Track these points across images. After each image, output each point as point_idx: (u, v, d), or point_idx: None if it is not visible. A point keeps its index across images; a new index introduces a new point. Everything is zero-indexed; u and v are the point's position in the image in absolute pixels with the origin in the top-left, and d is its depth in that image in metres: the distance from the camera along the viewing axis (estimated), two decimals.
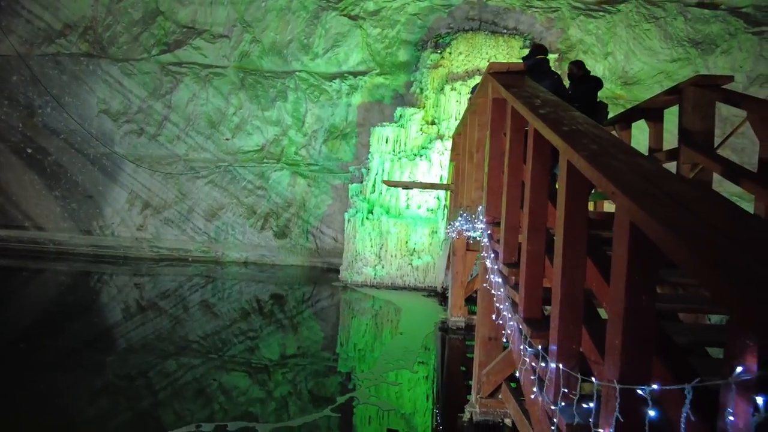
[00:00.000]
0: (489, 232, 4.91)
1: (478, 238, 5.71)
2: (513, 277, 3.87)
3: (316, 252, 16.34)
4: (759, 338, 1.41)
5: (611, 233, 2.05)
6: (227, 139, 16.76)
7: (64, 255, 16.31)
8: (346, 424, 5.51)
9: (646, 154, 5.25)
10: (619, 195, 1.90)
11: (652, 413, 1.77)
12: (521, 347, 3.18)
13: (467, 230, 7.13)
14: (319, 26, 15.76)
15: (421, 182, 13.23)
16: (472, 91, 7.33)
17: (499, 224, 4.34)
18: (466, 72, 14.51)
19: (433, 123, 14.65)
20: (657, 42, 14.43)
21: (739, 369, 1.39)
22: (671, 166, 4.67)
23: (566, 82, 6.25)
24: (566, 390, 2.42)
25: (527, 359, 3.07)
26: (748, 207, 3.52)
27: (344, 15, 15.60)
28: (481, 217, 5.28)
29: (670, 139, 4.91)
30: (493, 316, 4.68)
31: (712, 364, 2.76)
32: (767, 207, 3.80)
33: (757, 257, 1.37)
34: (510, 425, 5.00)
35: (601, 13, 14.62)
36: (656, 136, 5.31)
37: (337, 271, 14.10)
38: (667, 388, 1.74)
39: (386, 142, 14.63)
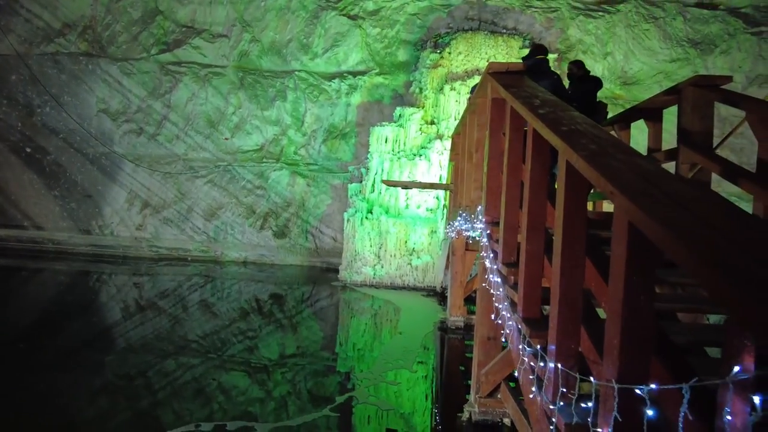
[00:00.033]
0: (488, 231, 4.92)
1: (477, 238, 5.72)
2: (512, 277, 3.88)
3: (315, 252, 16.35)
4: (757, 338, 1.41)
5: (610, 233, 2.05)
6: (226, 139, 16.75)
7: (63, 254, 16.31)
8: (345, 424, 5.52)
9: (645, 154, 5.26)
10: (618, 195, 1.90)
11: (650, 413, 1.77)
12: (520, 347, 3.18)
13: (466, 230, 7.13)
14: (318, 26, 15.76)
15: (420, 182, 13.23)
16: (472, 91, 7.34)
17: (498, 224, 4.35)
18: (466, 72, 14.52)
19: (432, 123, 14.65)
20: (656, 42, 14.45)
21: (736, 369, 1.39)
22: (670, 166, 4.69)
23: (566, 82, 6.26)
24: (565, 389, 2.43)
25: (526, 359, 3.08)
26: (747, 207, 3.53)
27: (344, 15, 15.60)
28: (480, 217, 5.28)
29: (669, 139, 4.91)
30: (492, 316, 4.69)
31: (711, 364, 2.77)
32: (766, 207, 3.81)
33: (756, 257, 1.38)
34: (509, 425, 5.01)
35: (600, 13, 14.63)
36: (655, 136, 5.31)
37: (337, 271, 14.10)
38: (666, 387, 1.75)
39: (385, 141, 14.63)
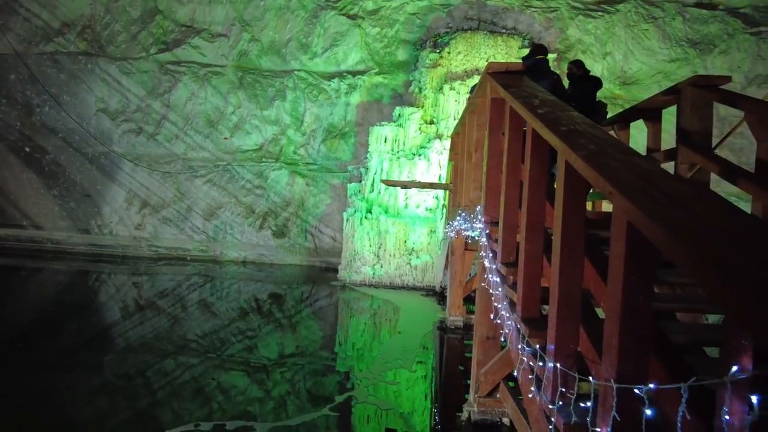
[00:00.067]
0: (487, 231, 4.92)
1: (476, 238, 5.72)
2: (511, 277, 3.88)
3: (314, 251, 16.34)
4: (756, 338, 1.41)
5: (609, 233, 2.06)
6: (226, 139, 16.74)
7: (62, 254, 16.29)
8: (344, 424, 5.52)
9: (645, 154, 5.27)
10: (617, 195, 1.91)
11: (648, 412, 1.78)
12: (519, 346, 3.19)
13: (466, 230, 7.14)
14: (317, 25, 15.75)
15: (419, 182, 13.23)
16: (471, 91, 7.34)
17: (498, 224, 4.35)
18: (465, 71, 14.52)
19: (431, 122, 14.66)
20: (655, 42, 14.45)
21: (734, 368, 1.40)
22: (669, 166, 4.70)
23: (566, 82, 6.27)
24: (564, 389, 2.43)
25: (525, 358, 3.08)
26: (746, 207, 3.53)
27: (343, 14, 15.59)
28: (479, 217, 5.28)
29: (669, 139, 4.92)
30: (492, 316, 4.69)
31: (709, 363, 2.77)
32: (764, 207, 3.82)
33: (755, 257, 1.38)
34: (508, 424, 5.01)
35: (599, 13, 14.63)
36: (654, 136, 5.32)
37: (336, 271, 14.10)
38: (664, 387, 1.75)
39: (385, 141, 14.63)
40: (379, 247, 13.61)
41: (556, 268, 2.58)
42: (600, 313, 2.65)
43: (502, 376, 4.73)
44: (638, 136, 6.88)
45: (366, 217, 13.92)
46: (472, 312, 8.59)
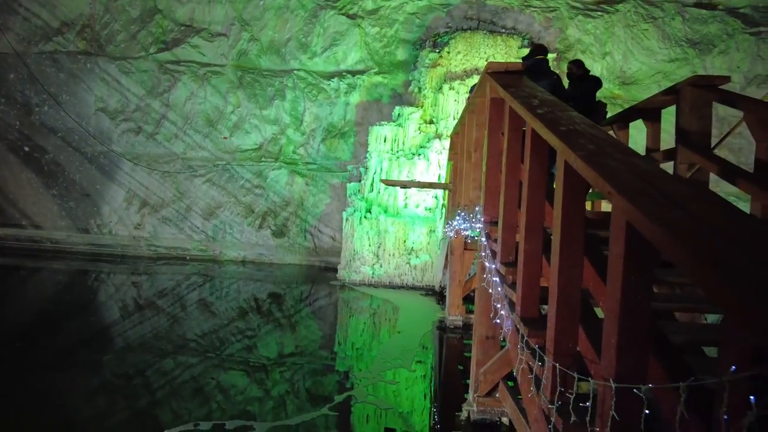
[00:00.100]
0: (487, 231, 4.93)
1: (475, 238, 5.72)
2: (510, 277, 3.89)
3: (314, 251, 16.34)
4: (754, 338, 1.42)
5: (608, 233, 2.06)
6: (225, 138, 16.73)
7: (61, 253, 16.28)
8: (343, 423, 5.52)
9: (644, 153, 5.28)
10: (616, 195, 1.91)
11: (647, 412, 1.78)
12: (518, 346, 3.19)
13: (465, 229, 7.14)
14: (317, 25, 15.74)
15: (419, 181, 13.23)
16: (471, 91, 7.34)
17: (497, 223, 4.36)
18: (465, 71, 14.52)
19: (431, 122, 14.65)
20: (655, 42, 14.46)
21: (733, 368, 1.40)
22: (668, 166, 4.70)
23: (566, 82, 6.27)
24: (563, 389, 2.43)
25: (524, 358, 3.09)
26: (745, 207, 3.54)
27: (342, 14, 15.58)
28: (479, 217, 5.29)
29: (668, 139, 4.93)
30: (491, 315, 4.70)
31: (708, 363, 2.78)
32: (763, 207, 3.82)
33: (753, 257, 1.38)
34: (507, 424, 5.02)
35: (599, 13, 14.64)
36: (654, 136, 5.33)
37: (335, 270, 14.10)
38: (663, 387, 1.75)
39: (384, 141, 14.62)
40: (379, 247, 13.61)
41: (555, 267, 2.58)
42: (599, 312, 2.66)
43: (502, 376, 4.74)
44: (637, 136, 6.89)
45: (365, 217, 13.92)
46: (471, 311, 8.59)
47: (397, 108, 14.99)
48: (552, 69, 6.23)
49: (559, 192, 2.57)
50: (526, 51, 9.65)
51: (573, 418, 2.32)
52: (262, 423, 5.21)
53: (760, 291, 1.21)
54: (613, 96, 14.56)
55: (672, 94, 4.85)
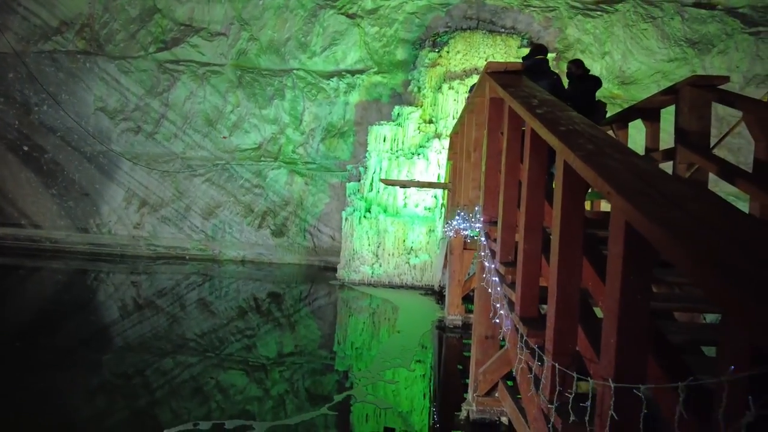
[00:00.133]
0: (486, 231, 4.93)
1: (475, 237, 5.73)
2: (510, 276, 3.89)
3: (313, 250, 16.34)
4: (753, 338, 1.42)
5: (607, 232, 2.06)
6: (224, 138, 16.73)
7: (60, 253, 16.27)
8: (343, 423, 5.53)
9: (643, 153, 5.28)
10: (615, 195, 1.91)
11: (646, 411, 1.78)
12: (518, 346, 3.19)
13: (464, 229, 7.15)
14: (316, 24, 15.74)
15: (418, 181, 13.23)
16: (471, 90, 7.35)
17: (496, 223, 4.36)
18: (464, 71, 14.52)
19: (430, 122, 14.66)
20: (654, 42, 14.47)
21: (731, 368, 1.40)
22: (668, 166, 4.71)
23: (566, 82, 6.27)
24: (562, 388, 2.44)
25: (523, 358, 3.09)
26: (744, 207, 3.54)
27: (342, 13, 15.58)
28: (478, 216, 5.29)
29: (667, 139, 4.93)
30: (490, 315, 4.70)
31: (707, 363, 2.78)
32: (762, 206, 3.83)
33: (752, 257, 1.38)
34: (507, 423, 5.03)
35: (598, 13, 14.64)
36: (653, 135, 5.33)
37: (335, 270, 14.11)
38: (661, 387, 1.76)
39: (384, 140, 14.62)
40: (378, 247, 13.61)
41: (554, 267, 2.58)
42: (598, 312, 2.66)
43: (501, 375, 4.74)
44: (637, 136, 6.89)
45: (365, 217, 13.92)
46: (470, 311, 8.60)
47: (397, 107, 14.99)
48: (552, 69, 6.24)
49: (558, 192, 2.57)
50: (525, 51, 9.66)
51: (572, 418, 2.32)
52: (261, 422, 5.22)
53: (759, 291, 1.22)
54: (613, 96, 14.57)
55: (671, 94, 4.85)
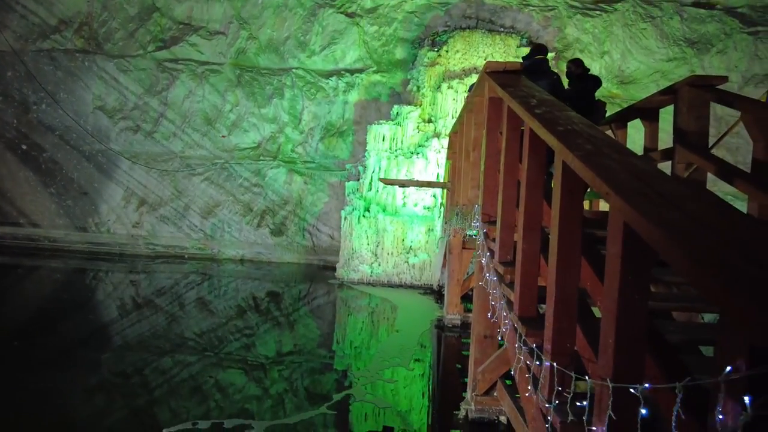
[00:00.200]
0: (485, 230, 4.93)
1: (474, 237, 5.73)
2: (508, 276, 3.90)
3: (312, 249, 16.34)
4: (751, 338, 1.42)
5: (606, 232, 2.07)
6: (223, 137, 16.71)
7: (59, 252, 16.25)
8: (342, 422, 5.53)
9: (642, 153, 5.29)
10: (613, 195, 1.92)
11: (644, 411, 1.79)
12: (516, 345, 3.20)
13: (463, 228, 7.16)
14: (315, 23, 15.72)
15: (417, 180, 13.23)
16: (470, 90, 7.35)
17: (495, 223, 4.36)
18: (463, 70, 14.51)
19: (429, 121, 14.65)
20: (653, 41, 14.47)
21: (728, 368, 1.41)
22: (666, 166, 4.71)
23: (566, 82, 6.28)
24: (560, 388, 2.44)
25: (522, 357, 3.10)
26: (742, 206, 3.55)
27: (341, 12, 15.56)
28: (477, 216, 5.29)
29: (666, 139, 4.94)
30: (489, 314, 4.71)
31: (705, 363, 2.79)
32: (760, 206, 3.84)
33: (750, 257, 1.39)
34: (505, 422, 5.04)
35: (597, 12, 14.64)
36: (652, 135, 5.34)
37: (334, 269, 14.11)
38: (659, 387, 1.76)
39: (383, 139, 14.62)
40: (377, 246, 13.61)
41: (553, 267, 2.59)
42: (597, 312, 2.67)
43: (500, 375, 4.75)
44: (636, 135, 6.90)
45: (364, 216, 13.92)
46: (469, 310, 8.60)
47: (396, 107, 14.98)
48: (552, 69, 6.25)
49: (557, 192, 2.58)
50: (524, 50, 9.64)
51: (570, 417, 2.33)
52: (260, 422, 5.22)
53: (757, 291, 1.22)
54: (612, 95, 14.58)
55: (670, 93, 4.86)
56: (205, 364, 7.09)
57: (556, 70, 6.71)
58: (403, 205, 14.17)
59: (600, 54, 14.88)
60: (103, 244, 16.67)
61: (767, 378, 1.35)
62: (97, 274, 14.19)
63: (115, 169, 16.89)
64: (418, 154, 14.18)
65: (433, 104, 14.64)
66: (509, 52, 14.33)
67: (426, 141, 14.26)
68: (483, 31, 15.00)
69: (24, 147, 16.95)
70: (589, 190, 4.23)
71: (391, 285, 13.27)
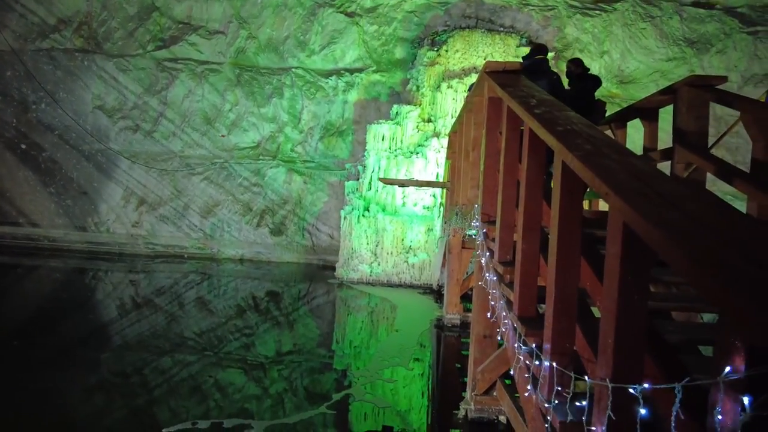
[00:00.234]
0: (484, 230, 4.93)
1: (473, 236, 5.73)
2: (508, 276, 3.90)
3: (312, 249, 16.34)
4: (750, 338, 1.43)
5: (605, 232, 2.07)
6: (223, 136, 16.70)
7: (58, 251, 16.24)
8: (341, 421, 5.53)
9: (642, 153, 5.29)
10: (612, 195, 1.92)
11: (643, 411, 1.79)
12: (516, 345, 3.20)
13: (463, 228, 7.16)
14: (315, 23, 15.71)
15: (417, 180, 13.23)
16: (470, 89, 7.35)
17: (495, 223, 4.36)
18: (463, 70, 14.51)
19: (429, 121, 14.65)
20: (653, 41, 14.47)
21: (727, 369, 1.41)
22: (666, 166, 4.72)
23: (566, 81, 6.28)
24: (560, 388, 2.44)
25: (521, 357, 3.10)
26: (741, 206, 3.55)
27: (340, 12, 15.55)
28: (476, 216, 5.30)
29: (666, 139, 4.94)
30: (488, 314, 4.71)
31: (704, 363, 2.79)
32: (760, 206, 3.84)
33: (749, 257, 1.39)
34: (504, 422, 5.04)
35: (597, 12, 14.64)
36: (651, 135, 5.34)
37: (333, 269, 14.11)
38: (658, 387, 1.76)
39: (382, 139, 14.61)
40: (377, 245, 13.61)
41: (552, 267, 2.59)
42: (596, 312, 2.67)
43: (499, 374, 4.75)
44: (636, 135, 6.91)
45: (363, 215, 13.92)
46: (469, 310, 8.60)
47: (395, 106, 14.97)
48: (552, 69, 6.25)
49: (556, 192, 2.58)
50: (524, 50, 9.63)
51: (570, 417, 2.33)
52: (260, 421, 5.22)
53: (756, 291, 1.22)
54: (611, 95, 14.58)
55: (669, 93, 4.86)
56: (204, 363, 7.09)
57: (555, 70, 6.71)
58: (402, 205, 14.17)
59: (599, 54, 14.88)
60: (103, 244, 16.66)
61: (766, 378, 1.35)
62: (96, 274, 14.19)
63: (114, 169, 16.88)
64: (417, 153, 14.18)
65: (433, 104, 14.64)
66: (509, 51, 14.32)
67: (425, 140, 14.26)
68: (482, 30, 14.99)
69: (23, 146, 16.94)
70: (588, 190, 4.23)
71: (390, 285, 13.28)
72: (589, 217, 4.44)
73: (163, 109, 16.70)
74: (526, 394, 2.94)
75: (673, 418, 1.59)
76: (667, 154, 4.83)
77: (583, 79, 6.20)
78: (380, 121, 14.93)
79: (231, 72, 16.39)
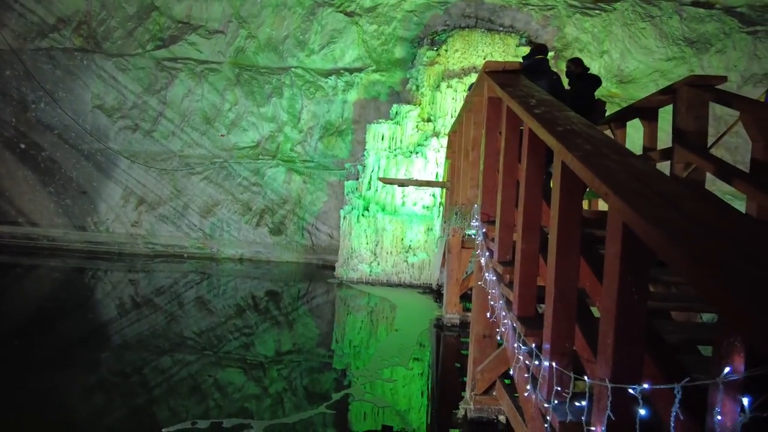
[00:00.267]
0: (484, 230, 4.94)
1: (473, 236, 5.74)
2: (507, 276, 3.90)
3: (311, 249, 16.34)
4: (749, 339, 1.43)
5: (605, 232, 2.07)
6: (222, 136, 16.69)
7: (58, 251, 16.23)
8: (341, 421, 5.54)
9: (641, 152, 5.29)
10: (612, 195, 1.92)
11: (642, 411, 1.79)
12: (515, 345, 3.20)
13: (462, 228, 7.16)
14: (314, 22, 15.71)
15: (416, 179, 13.23)
16: (470, 89, 7.35)
17: (494, 222, 4.37)
18: (462, 69, 14.51)
19: (429, 120, 14.65)
20: (652, 41, 14.48)
21: (726, 369, 1.41)
22: (665, 166, 4.72)
23: (566, 81, 6.28)
24: (559, 388, 2.45)
25: (521, 357, 3.10)
26: (741, 206, 3.55)
27: (340, 11, 15.55)
28: (476, 215, 5.30)
29: (665, 138, 4.94)
30: (488, 314, 4.71)
31: (703, 363, 2.79)
32: (759, 206, 3.84)
33: (748, 257, 1.39)
34: (504, 422, 5.04)
35: (597, 12, 14.64)
36: (651, 135, 5.34)
37: (333, 268, 14.11)
38: (658, 387, 1.77)
39: (382, 139, 14.61)
40: (376, 245, 13.61)
41: (552, 267, 2.59)
42: (595, 312, 2.67)
43: (499, 374, 4.75)
44: (635, 135, 6.91)
45: (363, 215, 13.92)
46: (468, 310, 8.60)
47: (395, 106, 14.97)
48: (552, 68, 6.25)
49: (555, 192, 2.58)
50: (523, 49, 9.63)
51: (569, 417, 2.33)
52: (259, 421, 5.22)
53: (756, 291, 1.22)
54: (611, 94, 14.58)
55: (669, 93, 4.86)
56: (204, 363, 7.09)
57: (555, 70, 6.71)
58: (402, 205, 14.17)
59: (599, 53, 14.88)
60: (102, 243, 16.65)
61: (766, 378, 1.35)
62: (96, 274, 14.18)
63: (113, 168, 16.87)
64: (417, 153, 14.18)
65: (433, 103, 14.64)
66: (508, 51, 14.32)
67: (425, 140, 14.26)
68: (482, 30, 14.99)
69: (23, 146, 16.92)
70: (588, 190, 4.23)
71: (390, 284, 13.28)
72: (588, 217, 4.44)
73: (162, 109, 16.69)
74: (526, 394, 2.94)
75: (672, 418, 1.59)
76: (666, 154, 4.83)
77: (582, 78, 6.20)
78: (380, 120, 14.93)
79: (230, 71, 16.38)
